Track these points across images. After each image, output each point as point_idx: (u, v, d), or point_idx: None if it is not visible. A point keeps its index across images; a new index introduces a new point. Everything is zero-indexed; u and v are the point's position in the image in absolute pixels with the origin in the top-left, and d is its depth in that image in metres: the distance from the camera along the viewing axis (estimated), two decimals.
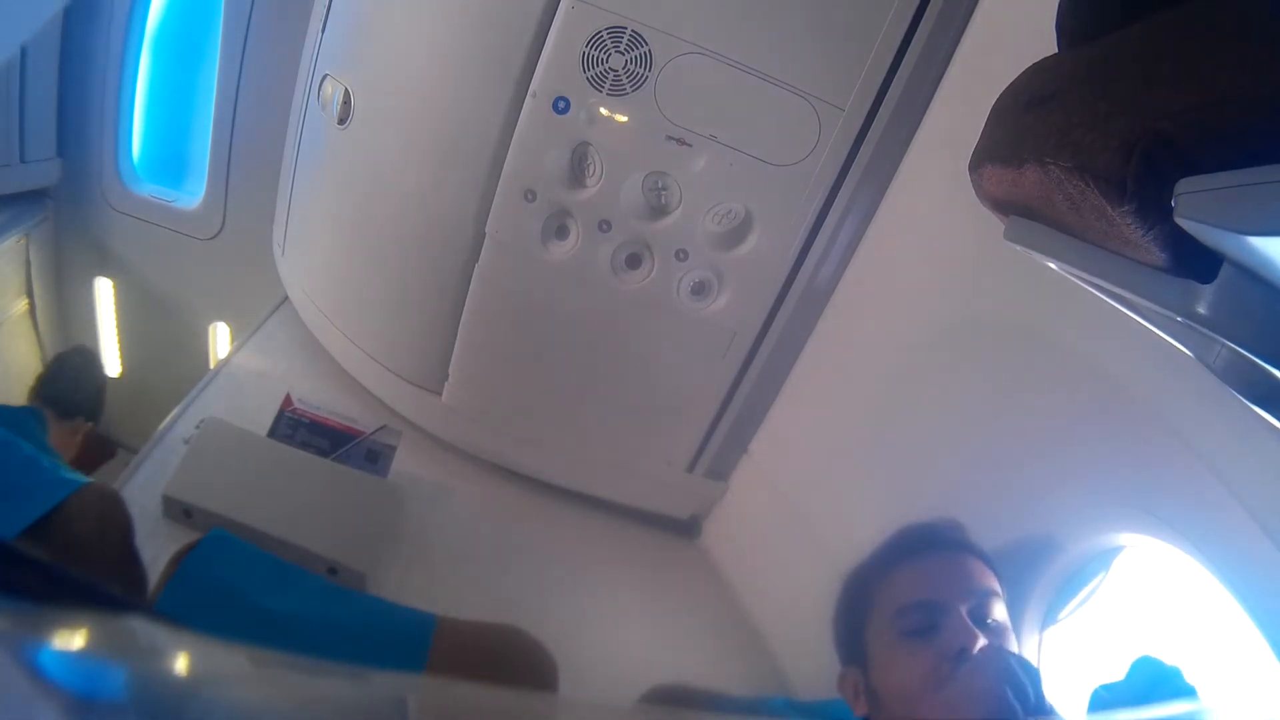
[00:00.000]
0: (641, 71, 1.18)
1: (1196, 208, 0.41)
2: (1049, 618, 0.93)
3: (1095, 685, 0.72)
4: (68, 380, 1.66)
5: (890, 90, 1.17)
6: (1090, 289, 0.64)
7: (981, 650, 0.79)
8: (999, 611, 0.85)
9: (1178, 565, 0.81)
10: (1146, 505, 0.79)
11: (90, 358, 1.83)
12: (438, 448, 1.56)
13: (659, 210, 1.26)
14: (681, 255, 1.29)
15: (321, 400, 1.36)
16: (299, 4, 1.65)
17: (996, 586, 0.87)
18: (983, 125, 0.75)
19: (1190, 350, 0.56)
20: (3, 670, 0.22)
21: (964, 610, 0.82)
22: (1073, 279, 0.65)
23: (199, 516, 1.17)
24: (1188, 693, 0.67)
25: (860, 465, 1.26)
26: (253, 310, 1.84)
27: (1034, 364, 0.97)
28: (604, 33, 1.17)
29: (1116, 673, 0.71)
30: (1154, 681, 0.67)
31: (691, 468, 1.52)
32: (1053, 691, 0.91)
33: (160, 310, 2.18)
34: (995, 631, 0.83)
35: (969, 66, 1.12)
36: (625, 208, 1.26)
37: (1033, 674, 0.75)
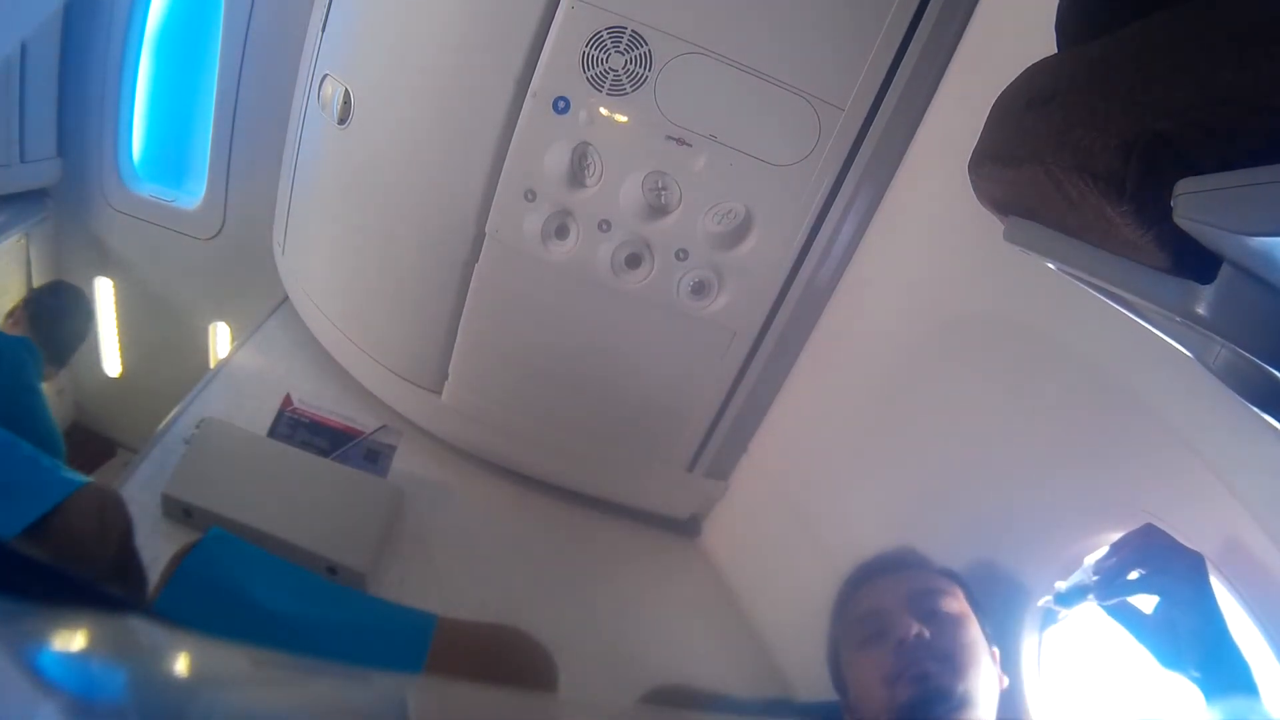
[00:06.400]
0: (641, 71, 1.18)
1: (1196, 208, 0.41)
2: (1049, 618, 0.93)
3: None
4: (58, 320, 1.63)
5: (890, 90, 1.17)
6: (1090, 289, 0.64)
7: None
8: (948, 605, 0.86)
9: None
10: (1146, 505, 0.79)
11: (78, 298, 1.78)
12: (438, 448, 1.56)
13: (659, 210, 1.26)
14: (681, 255, 1.29)
15: (321, 400, 1.36)
16: (299, 4, 1.65)
17: (943, 586, 0.89)
18: (983, 125, 0.75)
19: (1190, 350, 0.56)
20: (3, 670, 0.22)
21: (904, 609, 0.85)
22: (1072, 279, 0.65)
23: (199, 516, 1.17)
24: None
25: (860, 464, 1.26)
26: (253, 310, 1.84)
27: (1033, 364, 0.97)
28: (604, 33, 1.17)
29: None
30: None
31: (691, 467, 1.52)
32: (1043, 691, 0.92)
33: (160, 310, 2.18)
34: (940, 620, 0.84)
35: (969, 66, 1.12)
36: (625, 207, 1.26)
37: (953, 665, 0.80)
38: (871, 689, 0.82)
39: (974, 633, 0.85)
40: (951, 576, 0.91)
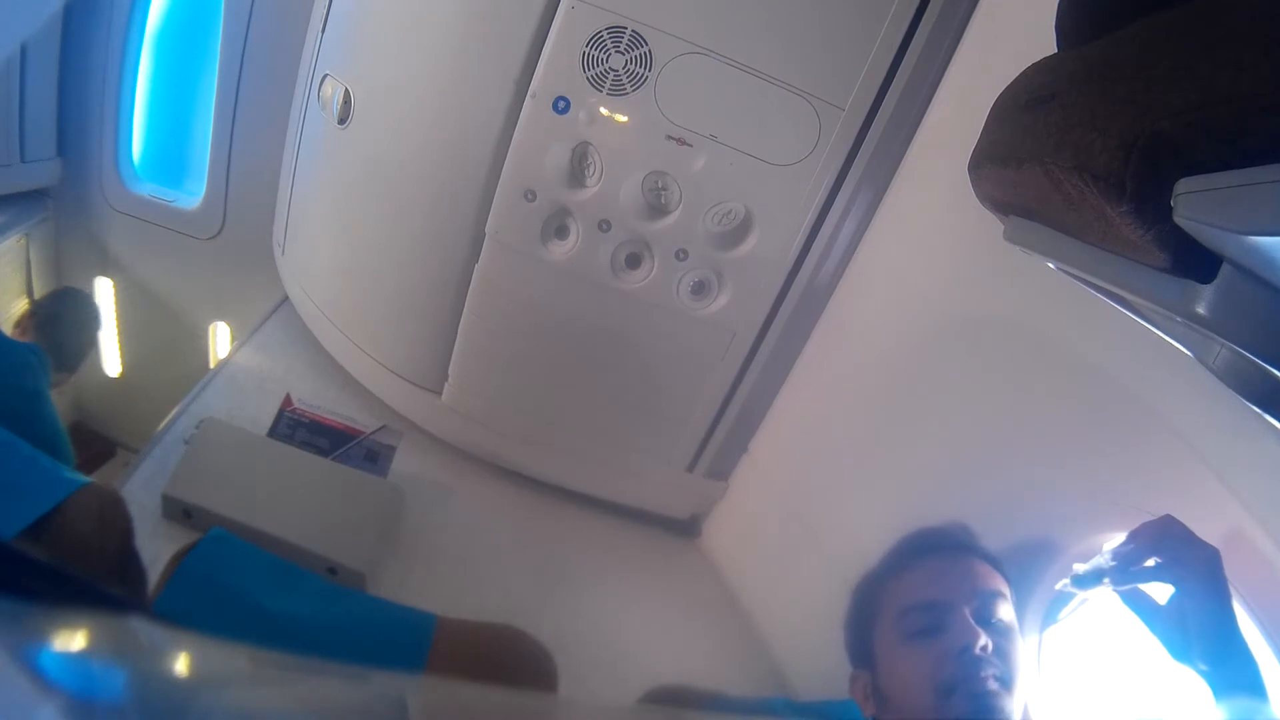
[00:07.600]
0: (641, 71, 1.18)
1: (1196, 208, 0.41)
2: (1049, 617, 0.93)
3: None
4: (66, 327, 1.64)
5: (890, 90, 1.17)
6: (1090, 289, 0.64)
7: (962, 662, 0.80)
8: (1004, 612, 0.85)
9: None
10: (1146, 505, 0.79)
11: (86, 304, 1.79)
12: (438, 448, 1.56)
13: (659, 210, 1.26)
14: (681, 255, 1.29)
15: (321, 400, 1.36)
16: (299, 4, 1.65)
17: (1002, 588, 0.87)
18: (983, 125, 0.75)
19: (1190, 350, 0.56)
20: (3, 670, 0.22)
21: (967, 610, 0.83)
22: (1072, 279, 0.65)
23: (199, 516, 1.17)
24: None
25: (860, 465, 1.26)
26: (253, 310, 1.84)
27: (1034, 364, 0.97)
28: (604, 33, 1.17)
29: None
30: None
31: (691, 468, 1.52)
32: (1044, 694, 0.92)
33: (160, 310, 2.18)
34: (1000, 631, 0.83)
35: (969, 66, 1.12)
36: (625, 208, 1.26)
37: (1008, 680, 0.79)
38: (916, 685, 0.81)
39: (1020, 644, 0.84)
40: (992, 563, 0.89)
